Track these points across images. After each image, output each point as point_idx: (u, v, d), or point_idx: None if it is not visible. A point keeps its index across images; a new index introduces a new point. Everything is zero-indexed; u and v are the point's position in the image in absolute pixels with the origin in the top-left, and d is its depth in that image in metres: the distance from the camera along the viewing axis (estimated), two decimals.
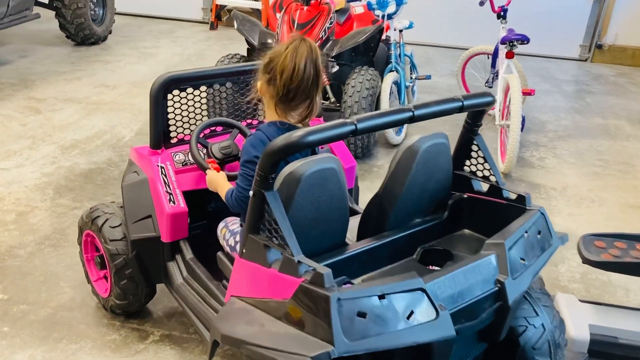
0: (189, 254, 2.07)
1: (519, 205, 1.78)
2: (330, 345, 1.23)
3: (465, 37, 6.59)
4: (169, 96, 2.10)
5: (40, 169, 3.63)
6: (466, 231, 1.96)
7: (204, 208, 2.28)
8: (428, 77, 4.65)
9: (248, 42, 4.24)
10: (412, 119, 1.54)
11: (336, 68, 3.95)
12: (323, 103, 4.00)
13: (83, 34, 6.11)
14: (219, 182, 1.92)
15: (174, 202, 2.04)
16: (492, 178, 1.87)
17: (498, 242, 1.57)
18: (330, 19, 4.03)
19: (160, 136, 2.14)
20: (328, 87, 3.99)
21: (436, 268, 1.81)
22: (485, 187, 1.91)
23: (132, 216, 2.13)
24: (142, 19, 7.66)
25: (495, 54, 4.61)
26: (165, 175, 2.09)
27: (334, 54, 3.94)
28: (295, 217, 1.50)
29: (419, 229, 1.88)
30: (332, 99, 4.02)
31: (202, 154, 2.08)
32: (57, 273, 2.66)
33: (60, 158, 3.79)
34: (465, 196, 1.94)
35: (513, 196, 1.82)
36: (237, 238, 1.88)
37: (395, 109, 1.55)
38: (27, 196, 3.31)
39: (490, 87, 4.79)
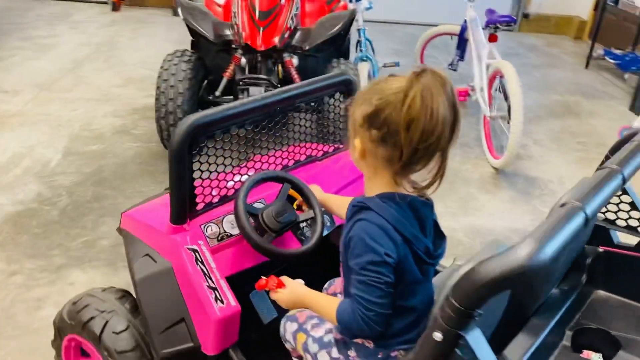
0: None
1: None
2: None
3: (428, 14, 6.26)
4: (197, 149, 1.47)
5: None
6: (602, 293, 1.57)
7: (239, 289, 1.68)
8: (397, 64, 4.21)
9: (193, 34, 3.52)
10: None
11: (295, 60, 3.36)
12: None
13: None
14: (306, 298, 1.33)
15: (222, 301, 1.44)
16: None
17: None
18: (296, 3, 3.43)
19: (186, 206, 1.50)
20: None
21: (595, 356, 1.41)
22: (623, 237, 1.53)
23: (157, 323, 1.50)
24: (25, 0, 6.44)
25: (462, 35, 4.27)
26: (202, 262, 1.48)
27: (307, 48, 3.36)
28: None
29: (557, 301, 1.47)
30: None
31: (253, 227, 1.48)
32: None
33: None
34: (600, 250, 1.55)
35: None
36: (335, 354, 1.34)
37: (604, 173, 1.09)
38: None
39: (455, 70, 4.47)
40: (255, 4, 3.33)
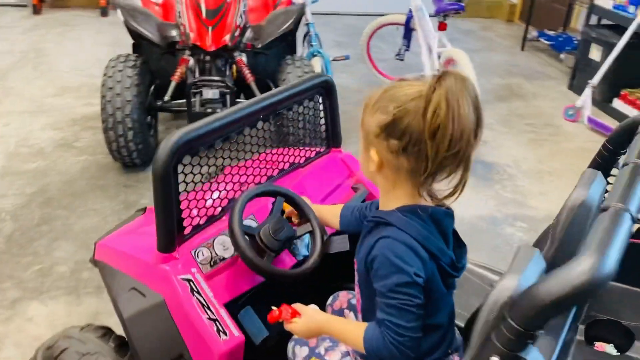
0: None
1: None
2: None
3: (370, 4, 6.19)
4: (179, 167, 1.34)
5: None
6: (610, 283, 1.56)
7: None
8: (347, 57, 4.15)
9: (135, 37, 3.31)
10: None
11: (244, 57, 3.21)
12: None
13: None
14: (326, 326, 1.22)
15: (224, 333, 1.33)
16: None
17: None
18: (243, 0, 3.29)
19: (174, 231, 1.37)
20: (253, 84, 3.29)
21: (609, 348, 1.41)
22: None
23: None
24: None
25: (407, 25, 4.26)
26: (199, 292, 1.35)
27: (260, 45, 3.22)
28: None
29: None
30: None
31: (251, 247, 1.36)
32: None
33: None
34: None
35: None
36: None
37: (629, 169, 1.06)
38: None
39: (402, 60, 4.47)
40: (200, 2, 3.16)
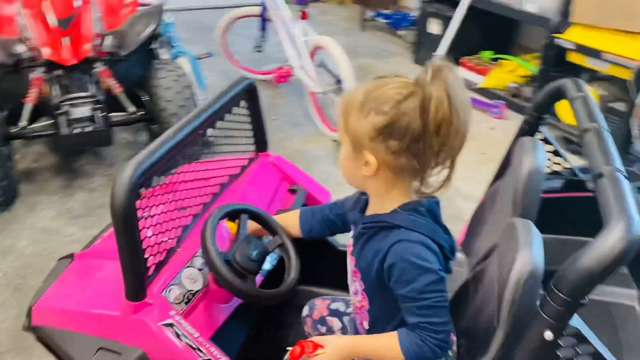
0: None
1: None
2: None
3: None
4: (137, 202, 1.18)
5: None
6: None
7: None
8: (210, 55, 3.99)
9: None
10: None
11: (101, 68, 2.93)
12: (118, 115, 3.02)
13: None
14: (355, 348, 1.16)
15: None
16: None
17: None
18: (95, 5, 2.98)
19: (144, 276, 1.21)
20: (122, 95, 3.02)
21: None
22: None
23: None
24: None
25: (263, 16, 4.21)
26: (185, 335, 1.21)
27: (125, 53, 2.95)
28: None
29: None
30: (133, 109, 3.07)
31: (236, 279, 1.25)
32: None
33: None
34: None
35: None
36: None
37: (593, 134, 1.16)
38: None
39: (261, 52, 4.43)
40: (46, 12, 2.80)
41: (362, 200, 1.24)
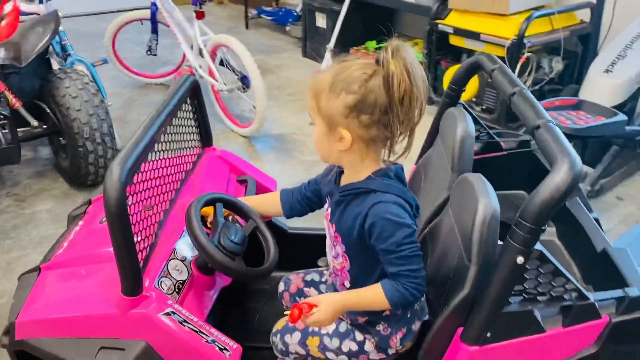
0: None
1: (524, 150, 1.90)
2: None
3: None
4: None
5: None
6: None
7: None
8: (105, 62, 3.85)
9: None
10: None
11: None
12: (21, 131, 2.87)
13: None
14: (346, 302, 1.31)
15: (226, 349, 1.29)
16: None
17: None
18: None
19: (140, 271, 1.24)
20: (22, 110, 2.87)
21: None
22: None
23: None
24: None
25: (153, 18, 4.16)
26: (186, 321, 1.27)
27: (24, 64, 2.80)
28: None
29: None
30: (35, 123, 2.92)
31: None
32: None
33: None
34: None
35: (510, 145, 1.92)
36: (359, 337, 1.38)
37: (517, 95, 1.37)
38: None
39: (155, 55, 4.37)
40: None
41: (334, 174, 1.37)
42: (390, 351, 1.39)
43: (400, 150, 1.28)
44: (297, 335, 1.42)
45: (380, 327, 1.37)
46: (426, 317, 1.43)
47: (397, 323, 1.37)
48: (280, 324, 1.46)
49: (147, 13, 4.16)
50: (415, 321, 1.40)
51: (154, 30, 4.24)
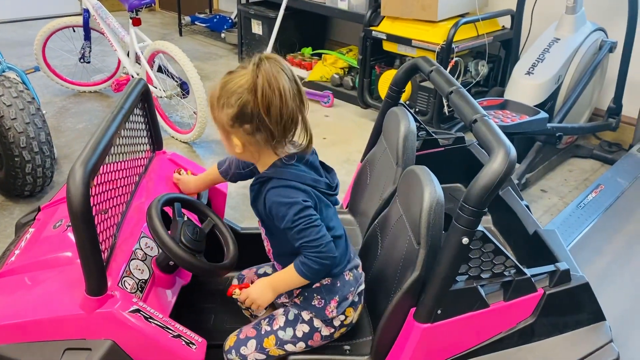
0: None
1: (459, 145, 2.04)
2: None
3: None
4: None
5: None
6: None
7: None
8: (37, 69, 3.73)
9: None
10: None
11: None
12: None
13: None
14: (272, 282, 1.44)
15: (192, 343, 1.33)
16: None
17: None
18: None
19: (104, 270, 1.26)
20: None
21: None
22: None
23: None
24: None
25: (86, 25, 4.08)
26: (151, 318, 1.29)
27: None
28: None
29: None
30: None
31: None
32: None
33: None
34: None
35: (446, 141, 2.05)
36: (306, 316, 1.47)
37: (458, 94, 1.50)
38: None
39: (88, 62, 4.29)
40: None
41: None
42: (336, 322, 1.48)
43: (300, 140, 1.40)
44: (252, 343, 1.48)
45: (315, 302, 1.47)
46: (362, 287, 1.52)
47: (329, 294, 1.46)
48: (231, 340, 1.51)
49: (79, 20, 4.08)
50: (350, 290, 1.48)
51: (87, 38, 4.16)
